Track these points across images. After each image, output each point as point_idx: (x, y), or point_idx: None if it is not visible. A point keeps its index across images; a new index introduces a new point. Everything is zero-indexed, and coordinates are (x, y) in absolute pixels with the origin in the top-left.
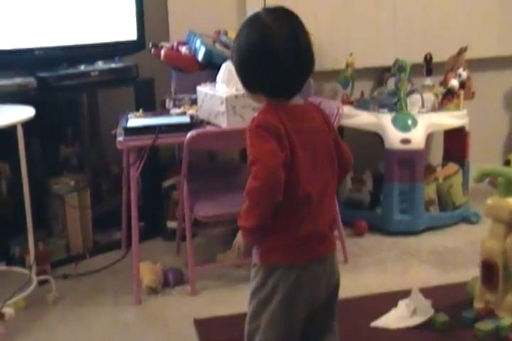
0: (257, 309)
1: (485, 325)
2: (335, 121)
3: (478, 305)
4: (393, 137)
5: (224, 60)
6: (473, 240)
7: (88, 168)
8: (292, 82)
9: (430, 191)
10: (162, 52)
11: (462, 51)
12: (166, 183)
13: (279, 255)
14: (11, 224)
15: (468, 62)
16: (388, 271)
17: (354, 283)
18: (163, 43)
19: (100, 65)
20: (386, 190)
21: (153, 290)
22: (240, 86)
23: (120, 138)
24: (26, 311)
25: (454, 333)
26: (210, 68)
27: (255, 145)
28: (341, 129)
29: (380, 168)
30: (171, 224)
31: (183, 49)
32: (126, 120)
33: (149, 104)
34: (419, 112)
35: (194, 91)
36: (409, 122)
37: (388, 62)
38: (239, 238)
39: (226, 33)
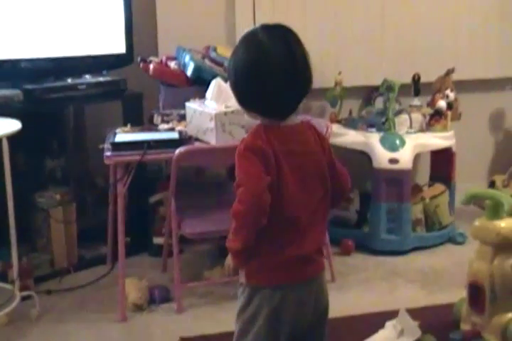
0: (242, 328)
1: None
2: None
3: (464, 326)
4: (381, 156)
5: (213, 76)
6: (460, 261)
7: (73, 182)
8: (286, 102)
9: (417, 211)
10: (151, 66)
11: (449, 72)
12: (153, 199)
13: (264, 276)
14: None
15: (455, 83)
16: (375, 290)
17: (341, 302)
18: (151, 58)
19: (88, 78)
20: (373, 209)
21: (138, 307)
22: (229, 103)
23: (108, 153)
24: (8, 327)
25: None
26: (198, 84)
27: (242, 168)
28: None
29: (367, 187)
30: (157, 240)
31: (172, 64)
32: (114, 135)
33: (137, 119)
34: (407, 132)
35: (182, 106)
36: (397, 142)
37: (377, 81)
38: (228, 259)
39: (215, 49)
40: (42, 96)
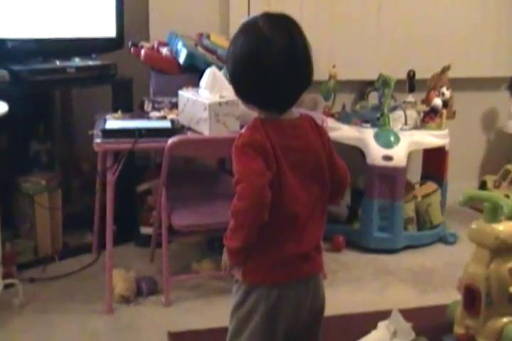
0: (237, 327)
1: None
2: None
3: (458, 330)
4: (375, 153)
5: (206, 64)
6: (451, 261)
7: (59, 166)
8: (286, 94)
9: (409, 209)
10: (142, 51)
11: (445, 69)
12: (141, 187)
13: (261, 274)
14: None
15: (449, 81)
16: (366, 288)
17: (331, 300)
18: (142, 43)
19: (77, 61)
20: (365, 205)
21: (125, 299)
22: (224, 93)
23: (98, 140)
24: None
25: None
26: (190, 71)
27: (241, 163)
28: None
29: (359, 182)
30: (145, 230)
31: (164, 50)
32: (104, 121)
33: (126, 105)
34: (401, 129)
35: (174, 94)
36: (392, 139)
37: (371, 76)
38: (225, 257)
39: (208, 37)
40: (29, 78)
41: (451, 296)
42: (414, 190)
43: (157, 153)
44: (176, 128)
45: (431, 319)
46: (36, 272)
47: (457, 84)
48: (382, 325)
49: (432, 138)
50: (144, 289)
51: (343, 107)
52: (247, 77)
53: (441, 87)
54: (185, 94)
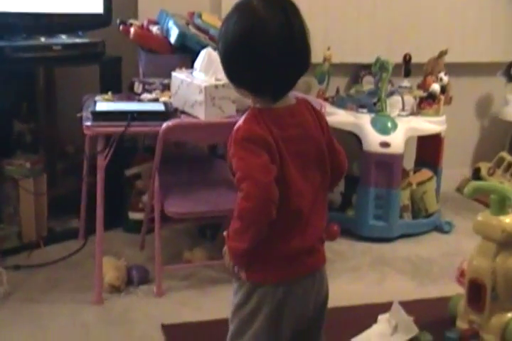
0: (239, 327)
1: None
2: None
3: (461, 325)
4: (372, 139)
5: (198, 44)
6: (448, 251)
7: (43, 148)
8: (281, 79)
9: (404, 197)
10: (132, 30)
11: (442, 54)
12: (130, 172)
13: (267, 272)
14: None
15: (445, 66)
16: (364, 279)
17: (330, 292)
18: (131, 21)
19: (63, 38)
20: (361, 193)
21: (115, 289)
22: (219, 76)
23: (88, 123)
24: None
25: None
26: (181, 51)
27: (243, 159)
28: None
29: (353, 169)
30: (134, 216)
31: (154, 29)
32: (94, 103)
33: (115, 85)
34: (399, 115)
35: (164, 74)
36: (389, 125)
37: (366, 59)
38: (227, 258)
39: (200, 16)
40: (12, 55)
41: (451, 288)
42: (408, 176)
43: (146, 135)
44: (170, 112)
45: (432, 312)
46: (21, 259)
47: (452, 70)
48: (383, 319)
49: (429, 124)
50: (135, 278)
51: (337, 91)
52: (240, 59)
53: (439, 72)
54: (178, 75)
